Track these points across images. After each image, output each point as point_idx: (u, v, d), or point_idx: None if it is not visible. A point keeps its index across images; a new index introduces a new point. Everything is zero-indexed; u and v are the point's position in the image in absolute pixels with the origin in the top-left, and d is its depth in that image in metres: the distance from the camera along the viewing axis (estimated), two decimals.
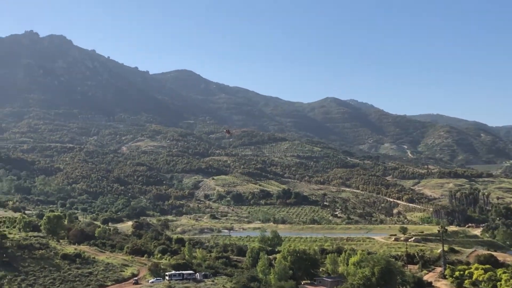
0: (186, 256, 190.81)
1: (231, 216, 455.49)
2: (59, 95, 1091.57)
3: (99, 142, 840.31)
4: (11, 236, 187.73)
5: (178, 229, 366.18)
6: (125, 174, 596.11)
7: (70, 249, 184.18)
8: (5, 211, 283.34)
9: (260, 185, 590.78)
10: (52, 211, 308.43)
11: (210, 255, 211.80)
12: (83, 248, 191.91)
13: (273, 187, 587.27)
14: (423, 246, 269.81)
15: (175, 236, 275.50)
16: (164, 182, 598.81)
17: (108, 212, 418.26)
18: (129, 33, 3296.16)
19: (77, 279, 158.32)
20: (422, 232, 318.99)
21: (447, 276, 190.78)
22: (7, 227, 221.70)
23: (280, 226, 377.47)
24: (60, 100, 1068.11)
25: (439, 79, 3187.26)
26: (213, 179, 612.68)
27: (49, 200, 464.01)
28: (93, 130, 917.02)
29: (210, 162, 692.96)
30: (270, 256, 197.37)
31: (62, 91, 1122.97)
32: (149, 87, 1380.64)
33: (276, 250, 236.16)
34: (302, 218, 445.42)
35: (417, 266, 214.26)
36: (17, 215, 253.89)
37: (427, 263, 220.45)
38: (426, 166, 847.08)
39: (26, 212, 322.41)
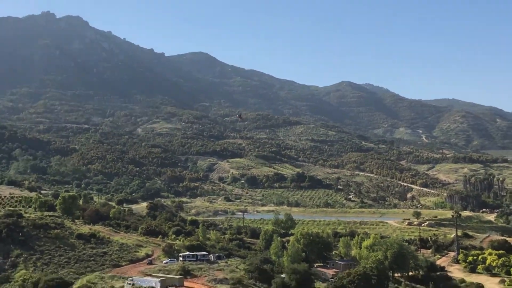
0: (200, 238, 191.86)
1: (245, 199, 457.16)
2: (75, 76, 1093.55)
3: (114, 124, 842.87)
4: (27, 215, 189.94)
5: (193, 211, 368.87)
6: (140, 155, 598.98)
7: (85, 229, 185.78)
8: (21, 191, 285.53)
9: (274, 168, 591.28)
10: (68, 191, 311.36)
11: (224, 237, 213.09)
12: (98, 228, 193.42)
13: (287, 171, 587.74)
14: (437, 230, 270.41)
15: (189, 218, 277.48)
16: (178, 164, 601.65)
17: (123, 193, 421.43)
18: (145, 15, 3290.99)
19: (91, 258, 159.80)
20: (436, 217, 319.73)
21: (460, 261, 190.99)
22: (23, 206, 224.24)
23: (294, 209, 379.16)
24: (76, 81, 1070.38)
25: (455, 63, 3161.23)
26: (227, 161, 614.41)
27: (64, 180, 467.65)
28: (108, 111, 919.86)
29: (225, 145, 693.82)
30: (284, 239, 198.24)
31: (78, 72, 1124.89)
32: (165, 69, 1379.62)
33: (290, 233, 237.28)
34: (316, 202, 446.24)
35: (430, 250, 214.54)
36: (33, 194, 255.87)
37: (440, 248, 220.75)
38: (440, 151, 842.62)
39: (42, 192, 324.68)
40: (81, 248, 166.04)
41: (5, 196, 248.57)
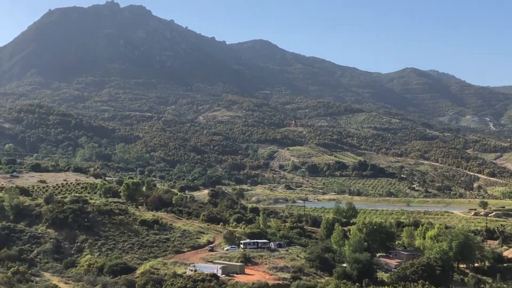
0: (261, 225, 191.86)
1: (305, 187, 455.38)
2: (139, 65, 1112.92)
3: (176, 111, 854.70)
4: (92, 201, 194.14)
5: (253, 199, 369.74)
6: (201, 143, 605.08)
7: (148, 215, 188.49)
8: (87, 177, 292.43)
9: (335, 157, 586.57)
10: (131, 178, 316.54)
11: (285, 225, 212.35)
12: (161, 214, 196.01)
13: (349, 159, 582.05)
14: (504, 221, 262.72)
15: (250, 205, 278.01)
16: (239, 151, 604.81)
17: (185, 180, 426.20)
18: (206, 3, 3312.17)
19: (154, 244, 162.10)
20: (503, 207, 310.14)
21: None
22: (89, 192, 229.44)
23: (356, 198, 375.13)
24: (140, 70, 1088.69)
25: None
26: (288, 149, 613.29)
27: (128, 167, 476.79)
28: (171, 99, 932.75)
29: (285, 133, 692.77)
30: (345, 228, 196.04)
31: (141, 61, 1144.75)
32: (226, 57, 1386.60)
33: (351, 222, 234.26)
34: (378, 191, 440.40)
35: (497, 241, 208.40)
36: (98, 181, 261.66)
37: (508, 239, 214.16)
38: (509, 139, 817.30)
39: (107, 178, 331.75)
40: (145, 234, 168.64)
41: (71, 183, 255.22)
